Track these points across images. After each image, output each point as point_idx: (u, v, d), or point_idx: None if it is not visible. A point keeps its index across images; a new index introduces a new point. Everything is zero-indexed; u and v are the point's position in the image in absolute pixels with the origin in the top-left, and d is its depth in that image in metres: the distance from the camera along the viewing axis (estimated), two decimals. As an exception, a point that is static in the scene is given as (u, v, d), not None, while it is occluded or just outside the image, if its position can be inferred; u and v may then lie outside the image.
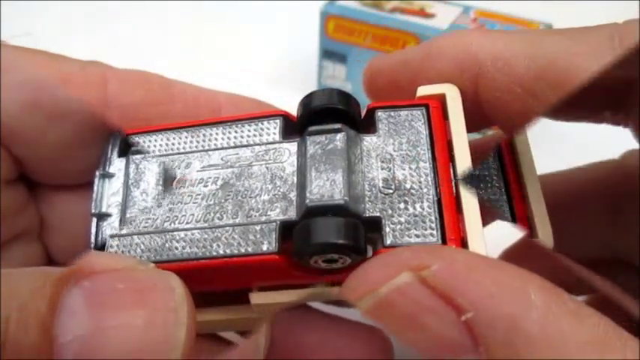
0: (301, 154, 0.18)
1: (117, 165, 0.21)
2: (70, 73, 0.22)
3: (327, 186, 0.17)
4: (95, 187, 0.20)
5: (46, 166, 0.22)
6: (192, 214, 0.18)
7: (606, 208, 0.22)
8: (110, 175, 0.21)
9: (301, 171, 0.18)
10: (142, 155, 0.20)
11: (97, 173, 0.21)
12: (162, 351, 0.14)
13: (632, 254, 0.24)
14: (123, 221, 0.19)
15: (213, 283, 0.19)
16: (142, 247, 0.18)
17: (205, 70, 0.38)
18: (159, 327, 0.15)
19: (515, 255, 0.29)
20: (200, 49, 0.54)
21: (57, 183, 0.23)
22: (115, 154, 0.21)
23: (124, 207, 0.19)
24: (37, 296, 0.14)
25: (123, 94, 0.22)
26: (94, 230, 0.20)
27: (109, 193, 0.20)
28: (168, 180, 0.20)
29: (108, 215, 0.20)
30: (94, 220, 0.20)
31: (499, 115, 0.20)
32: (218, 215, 0.18)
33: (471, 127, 0.19)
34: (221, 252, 0.17)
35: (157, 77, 0.23)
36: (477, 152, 0.18)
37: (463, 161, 0.18)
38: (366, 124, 0.19)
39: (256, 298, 0.19)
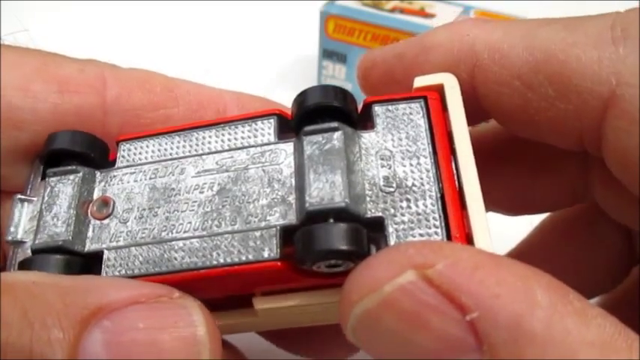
0: (298, 154, 0.18)
1: (38, 189, 0.20)
2: (66, 77, 0.21)
3: (326, 188, 0.16)
4: (12, 213, 0.20)
5: (3, 172, 0.21)
6: (190, 222, 0.18)
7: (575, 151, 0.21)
8: (30, 200, 0.20)
9: (299, 173, 0.18)
10: (58, 177, 0.19)
11: (16, 197, 0.20)
12: None
13: (605, 201, 0.23)
14: (34, 247, 0.18)
15: (215, 291, 0.19)
16: (140, 258, 0.18)
17: (205, 70, 0.38)
18: None
19: (520, 255, 0.28)
20: (199, 50, 0.54)
21: (12, 189, 0.22)
22: (39, 177, 0.20)
23: (36, 233, 0.19)
24: (55, 346, 0.14)
25: (123, 98, 0.21)
26: (9, 259, 0.19)
27: (26, 219, 0.20)
28: (83, 204, 0.19)
29: (23, 242, 0.19)
30: (11, 247, 0.19)
31: (496, 108, 0.20)
32: (216, 222, 0.18)
33: (467, 121, 0.18)
34: (221, 261, 0.17)
35: (158, 77, 0.23)
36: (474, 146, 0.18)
37: (465, 154, 0.17)
38: (363, 120, 0.19)
39: (259, 303, 0.19)
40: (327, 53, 0.47)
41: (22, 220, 0.20)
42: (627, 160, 0.18)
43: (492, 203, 0.26)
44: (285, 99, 0.23)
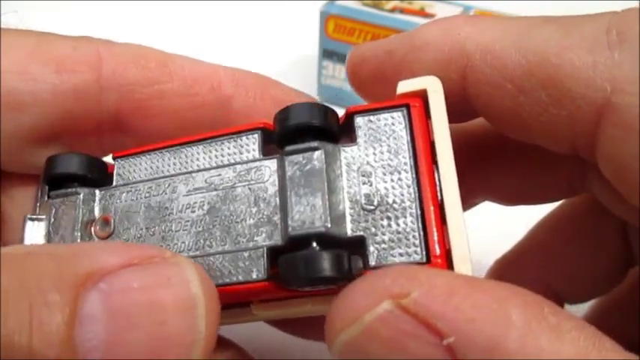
0: (281, 173, 0.18)
1: (45, 207, 0.21)
2: (61, 56, 0.21)
3: (307, 212, 0.17)
4: (24, 232, 0.20)
5: (4, 156, 0.21)
6: (184, 242, 0.19)
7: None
8: (39, 219, 0.20)
9: (282, 192, 0.18)
10: (61, 199, 0.20)
11: (26, 217, 0.20)
12: (179, 353, 0.15)
13: (604, 197, 0.23)
14: None
15: None
16: None
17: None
18: (174, 328, 0.15)
19: (508, 264, 0.28)
20: (200, 49, 0.53)
21: (18, 172, 0.22)
22: (45, 195, 0.21)
23: None
24: (53, 309, 0.14)
25: (118, 74, 0.21)
26: None
27: (39, 237, 0.20)
28: (86, 224, 0.20)
29: None
30: None
31: (488, 110, 0.19)
32: (208, 243, 0.18)
33: (457, 120, 0.18)
34: (215, 282, 0.17)
35: (153, 52, 0.23)
36: (459, 144, 0.17)
37: (445, 165, 0.17)
38: (346, 130, 0.19)
39: (257, 309, 0.19)
40: (327, 53, 0.47)
41: (35, 240, 0.20)
42: (623, 170, 0.17)
43: (489, 194, 0.26)
44: (285, 99, 0.23)
